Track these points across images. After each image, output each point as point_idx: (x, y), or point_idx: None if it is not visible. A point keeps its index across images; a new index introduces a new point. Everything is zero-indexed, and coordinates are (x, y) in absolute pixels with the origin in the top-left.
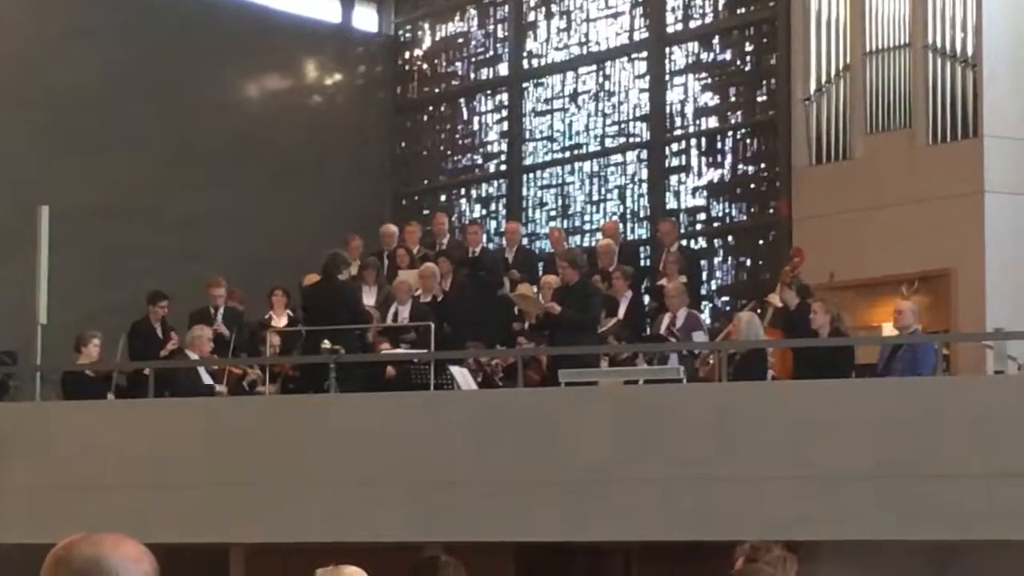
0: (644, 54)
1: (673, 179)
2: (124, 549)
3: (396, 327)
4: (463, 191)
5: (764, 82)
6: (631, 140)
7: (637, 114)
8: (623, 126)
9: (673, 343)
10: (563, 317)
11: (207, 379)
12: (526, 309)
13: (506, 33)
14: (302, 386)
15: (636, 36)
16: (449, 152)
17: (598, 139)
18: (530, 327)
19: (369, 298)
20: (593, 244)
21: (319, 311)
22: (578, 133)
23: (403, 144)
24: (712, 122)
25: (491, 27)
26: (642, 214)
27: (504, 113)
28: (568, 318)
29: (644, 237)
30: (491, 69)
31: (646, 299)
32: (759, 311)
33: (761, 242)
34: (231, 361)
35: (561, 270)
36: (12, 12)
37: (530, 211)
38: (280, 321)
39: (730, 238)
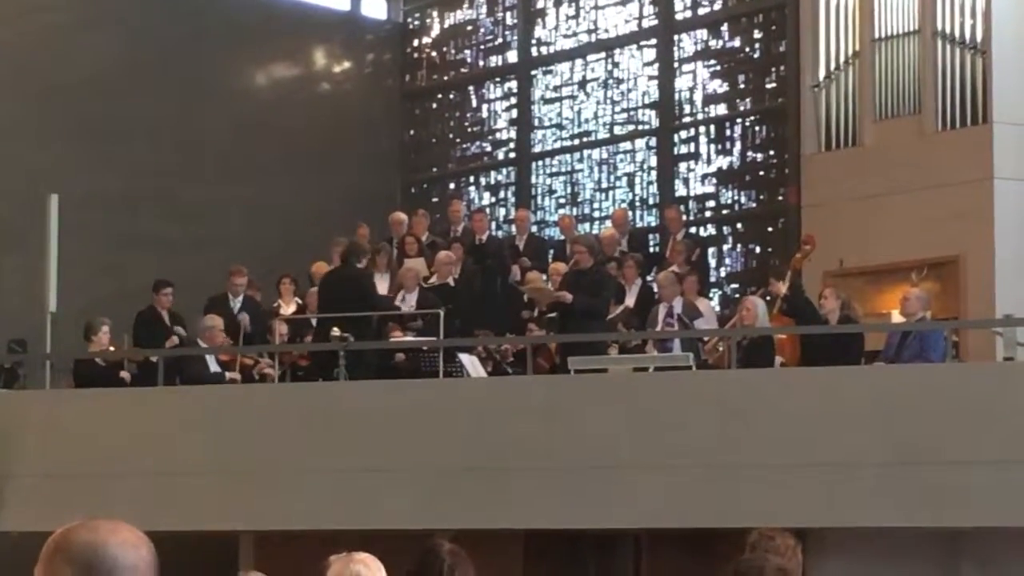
0: (653, 41)
1: (682, 166)
2: (121, 535)
3: (407, 314)
4: (472, 179)
5: (773, 69)
6: (640, 127)
7: (646, 101)
8: (632, 113)
9: (683, 330)
10: (575, 304)
11: (217, 371)
12: (538, 299)
13: (515, 20)
14: (313, 375)
15: (645, 23)
16: (458, 140)
17: (607, 126)
18: (539, 314)
19: (381, 284)
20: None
21: (334, 299)
22: (587, 120)
23: (412, 132)
24: (721, 109)
25: (500, 14)
26: (651, 201)
27: (513, 101)
28: (581, 304)
29: (653, 224)
30: (500, 57)
31: (655, 287)
32: (767, 298)
33: (770, 229)
34: (241, 349)
35: (577, 254)
36: (23, 1)
37: (539, 199)
38: (288, 309)
39: (739, 225)
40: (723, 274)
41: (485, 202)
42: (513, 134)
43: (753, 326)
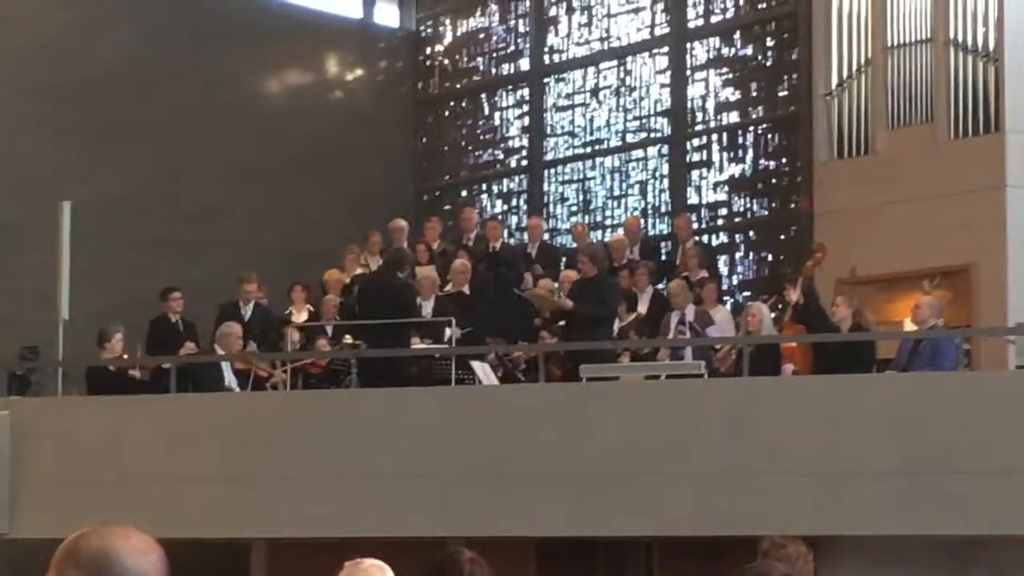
0: (665, 49)
1: (694, 174)
2: (132, 541)
3: (426, 322)
4: (484, 186)
5: (785, 77)
6: (652, 135)
7: (658, 109)
8: (644, 121)
9: (693, 338)
10: (577, 311)
11: (231, 379)
12: (540, 306)
13: (527, 28)
14: (325, 383)
15: (657, 31)
16: (470, 147)
17: (619, 134)
18: (546, 321)
19: None
20: None
21: (370, 307)
22: (599, 128)
23: (424, 139)
24: (733, 117)
25: (512, 22)
26: (663, 209)
27: (525, 108)
28: (584, 313)
29: (665, 232)
30: (512, 64)
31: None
32: (780, 306)
33: (783, 237)
34: (252, 355)
35: (581, 264)
36: (35, 2)
37: (551, 206)
38: (300, 317)
39: (751, 233)
40: (735, 282)
41: (497, 210)
42: (525, 142)
43: (759, 332)
